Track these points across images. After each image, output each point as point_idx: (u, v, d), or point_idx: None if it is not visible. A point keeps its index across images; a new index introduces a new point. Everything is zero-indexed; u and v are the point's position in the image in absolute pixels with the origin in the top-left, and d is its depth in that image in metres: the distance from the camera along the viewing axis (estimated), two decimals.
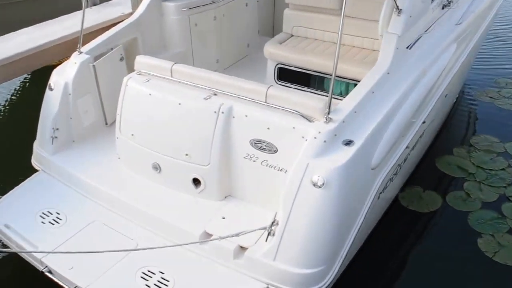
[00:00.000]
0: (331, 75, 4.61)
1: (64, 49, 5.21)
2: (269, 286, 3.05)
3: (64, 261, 3.25)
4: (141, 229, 3.50)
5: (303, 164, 2.97)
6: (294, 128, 3.14)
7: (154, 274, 3.17)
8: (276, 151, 3.23)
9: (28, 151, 4.26)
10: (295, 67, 4.71)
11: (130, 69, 4.49)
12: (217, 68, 5.25)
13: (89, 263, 3.22)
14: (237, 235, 3.04)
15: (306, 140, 3.08)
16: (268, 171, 3.29)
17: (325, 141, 3.00)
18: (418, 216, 4.44)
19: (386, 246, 4.12)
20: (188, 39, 4.94)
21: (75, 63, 4.11)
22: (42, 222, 3.60)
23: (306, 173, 2.95)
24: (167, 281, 3.12)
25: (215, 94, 3.48)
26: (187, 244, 3.11)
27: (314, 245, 2.96)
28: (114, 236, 3.45)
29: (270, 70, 4.90)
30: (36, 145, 4.22)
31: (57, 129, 4.07)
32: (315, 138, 3.01)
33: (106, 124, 4.43)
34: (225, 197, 3.56)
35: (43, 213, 3.69)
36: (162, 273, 3.17)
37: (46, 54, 5.15)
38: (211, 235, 3.26)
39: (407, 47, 3.89)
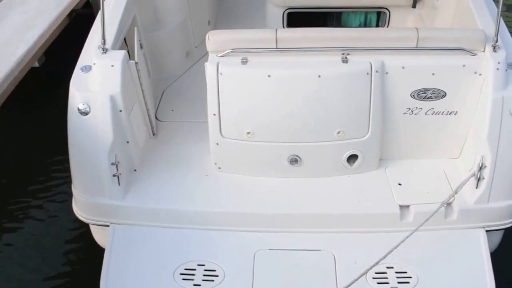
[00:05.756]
0: (352, 8, 4.38)
1: None
2: (486, 228, 2.99)
3: None
4: (316, 235, 2.93)
5: (498, 99, 2.84)
6: (464, 66, 2.92)
7: (385, 273, 2.75)
8: (444, 95, 2.98)
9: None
10: (308, 8, 4.23)
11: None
12: (209, 29, 4.37)
13: None
14: (456, 192, 2.83)
15: (480, 74, 2.92)
16: (435, 119, 3.04)
17: (506, 70, 2.90)
18: None
19: None
20: (185, 3, 3.92)
21: (112, 65, 2.89)
22: (196, 285, 2.68)
23: (504, 107, 2.84)
24: (403, 273, 2.75)
25: (348, 54, 2.93)
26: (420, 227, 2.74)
27: None
28: (300, 258, 2.81)
29: (275, 17, 4.30)
30: (82, 193, 2.99)
31: (119, 162, 2.91)
32: (497, 69, 2.87)
33: (154, 134, 3.35)
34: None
35: (182, 274, 2.73)
36: (391, 267, 2.77)
37: None
38: (408, 206, 2.95)
39: None
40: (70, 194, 3.13)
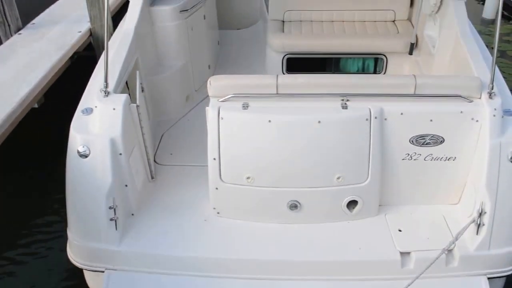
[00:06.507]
0: (350, 54, 4.49)
1: None
2: (487, 276, 2.94)
3: None
4: (316, 283, 2.87)
5: (495, 145, 2.85)
6: (462, 112, 2.95)
7: None
8: (442, 141, 3.00)
9: None
10: (306, 54, 4.32)
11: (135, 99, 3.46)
12: (210, 75, 4.42)
13: None
14: (456, 239, 2.79)
15: (477, 121, 2.95)
16: (433, 164, 3.05)
17: (502, 116, 2.93)
18: None
19: None
20: (186, 48, 3.99)
21: (114, 109, 2.90)
22: None
23: (501, 153, 2.85)
24: None
25: (347, 100, 2.97)
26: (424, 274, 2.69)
27: None
28: None
29: (275, 62, 4.38)
30: (78, 237, 2.93)
31: (117, 206, 2.88)
32: (494, 116, 2.89)
33: (152, 178, 3.34)
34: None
35: None
36: None
37: None
38: (408, 253, 2.90)
39: None
40: (65, 239, 3.08)
